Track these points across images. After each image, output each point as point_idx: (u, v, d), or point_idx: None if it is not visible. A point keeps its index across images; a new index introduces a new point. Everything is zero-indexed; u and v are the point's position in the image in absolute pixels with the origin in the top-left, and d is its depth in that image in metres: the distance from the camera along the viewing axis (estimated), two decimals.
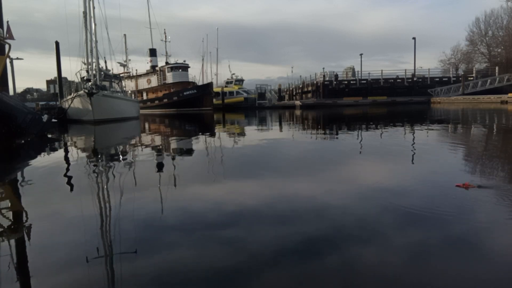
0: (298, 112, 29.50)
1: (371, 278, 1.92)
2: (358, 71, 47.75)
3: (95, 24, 23.44)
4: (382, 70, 44.67)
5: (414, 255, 2.18)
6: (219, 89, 45.54)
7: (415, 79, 43.79)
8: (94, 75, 23.14)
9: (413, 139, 8.51)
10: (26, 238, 2.76)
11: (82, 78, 25.14)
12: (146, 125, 18.47)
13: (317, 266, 2.07)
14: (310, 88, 48.68)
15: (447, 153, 6.10)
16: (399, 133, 10.01)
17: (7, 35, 13.87)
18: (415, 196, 3.38)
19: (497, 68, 42.14)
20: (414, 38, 44.26)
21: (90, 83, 22.29)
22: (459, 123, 13.23)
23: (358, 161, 5.75)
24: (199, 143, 9.43)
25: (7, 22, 15.27)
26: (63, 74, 31.47)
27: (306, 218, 2.92)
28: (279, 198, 3.57)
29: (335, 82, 44.42)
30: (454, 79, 43.01)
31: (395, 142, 7.98)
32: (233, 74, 48.71)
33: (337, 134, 10.41)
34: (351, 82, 45.75)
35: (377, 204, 3.19)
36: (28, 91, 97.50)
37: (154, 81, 46.29)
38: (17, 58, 28.08)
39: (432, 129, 10.57)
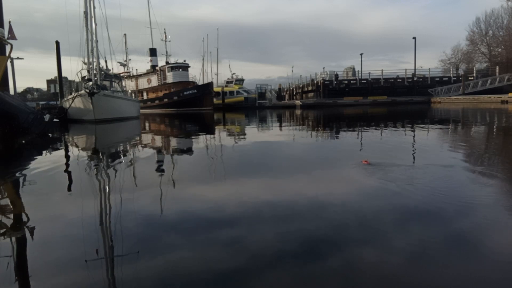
0: (298, 111, 29.53)
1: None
2: (358, 71, 47.88)
3: (95, 24, 23.52)
4: (382, 70, 44.73)
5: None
6: (219, 89, 45.55)
7: (415, 79, 43.79)
8: (95, 75, 23.19)
9: (405, 139, 8.57)
10: (27, 238, 2.79)
11: (83, 78, 25.19)
12: (147, 125, 18.52)
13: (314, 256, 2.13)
14: (310, 88, 48.69)
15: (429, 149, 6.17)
16: (396, 134, 10.05)
17: (9, 35, 13.92)
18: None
19: (497, 68, 42.13)
20: (414, 38, 44.25)
21: (91, 83, 22.34)
22: (458, 122, 13.28)
23: (355, 161, 5.80)
24: (200, 143, 9.48)
25: (9, 22, 15.32)
26: (64, 74, 31.54)
27: (302, 214, 2.98)
28: (279, 198, 3.62)
29: (335, 82, 44.42)
30: (455, 79, 43.01)
31: (386, 141, 8.04)
32: (233, 73, 48.74)
33: (337, 134, 10.46)
34: (352, 82, 45.74)
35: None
36: (28, 90, 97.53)
37: (154, 80, 46.31)
38: (18, 58, 28.14)
39: (427, 129, 10.62)
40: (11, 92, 23.46)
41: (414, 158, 5.85)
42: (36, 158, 7.49)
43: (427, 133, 9.68)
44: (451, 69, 49.20)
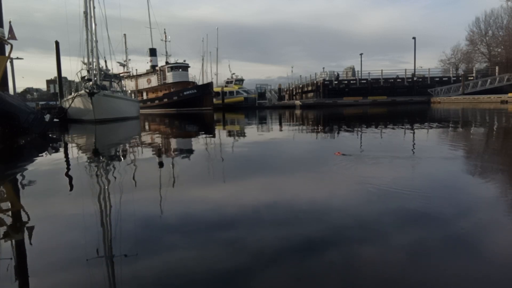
0: (298, 112, 29.55)
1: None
2: (358, 71, 47.89)
3: (95, 24, 23.53)
4: (382, 70, 44.74)
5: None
6: (219, 89, 45.55)
7: (415, 78, 43.83)
8: (95, 75, 23.21)
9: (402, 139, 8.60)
10: (26, 238, 2.78)
11: (82, 78, 25.21)
12: (146, 125, 18.53)
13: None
14: (310, 88, 48.72)
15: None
16: (391, 133, 10.07)
17: (10, 36, 13.93)
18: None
19: (497, 68, 42.17)
20: (414, 38, 44.30)
21: (90, 83, 22.35)
22: (457, 122, 13.30)
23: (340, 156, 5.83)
24: (200, 143, 9.49)
25: (10, 22, 15.33)
26: (63, 74, 31.58)
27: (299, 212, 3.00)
28: (279, 197, 3.64)
29: (335, 82, 44.46)
30: (454, 79, 43.04)
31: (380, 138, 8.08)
32: (233, 74, 48.75)
33: (335, 134, 10.48)
34: (351, 82, 45.76)
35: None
36: (28, 90, 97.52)
37: (154, 81, 46.33)
38: (18, 58, 28.13)
39: (423, 128, 10.64)
40: (11, 92, 23.46)
41: (385, 151, 6.38)
42: (36, 158, 7.50)
43: (416, 132, 9.70)
44: (451, 69, 49.25)
